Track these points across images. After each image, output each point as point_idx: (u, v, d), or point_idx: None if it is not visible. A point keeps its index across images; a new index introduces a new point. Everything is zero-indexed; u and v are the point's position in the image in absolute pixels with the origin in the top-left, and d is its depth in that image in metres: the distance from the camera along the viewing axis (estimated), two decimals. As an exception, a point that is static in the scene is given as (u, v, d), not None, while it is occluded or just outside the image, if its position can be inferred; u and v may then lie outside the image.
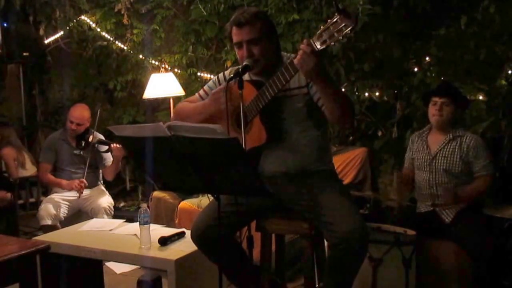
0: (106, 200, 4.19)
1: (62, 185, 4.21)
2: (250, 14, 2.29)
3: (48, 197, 4.25)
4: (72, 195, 4.19)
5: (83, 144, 4.17)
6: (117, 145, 4.03)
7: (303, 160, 2.37)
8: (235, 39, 2.33)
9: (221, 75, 2.57)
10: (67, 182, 4.19)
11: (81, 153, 4.24)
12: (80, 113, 4.24)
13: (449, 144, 3.10)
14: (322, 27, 2.00)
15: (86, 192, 4.21)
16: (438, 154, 3.13)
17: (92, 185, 4.29)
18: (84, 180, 4.13)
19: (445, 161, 3.10)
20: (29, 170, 4.97)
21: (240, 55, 2.34)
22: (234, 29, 2.32)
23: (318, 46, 2.00)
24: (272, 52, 2.34)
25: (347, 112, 2.20)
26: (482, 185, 3.05)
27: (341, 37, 1.96)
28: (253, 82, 2.35)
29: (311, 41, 2.02)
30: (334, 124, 2.33)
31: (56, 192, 4.24)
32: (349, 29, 1.92)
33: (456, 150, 3.08)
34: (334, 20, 1.95)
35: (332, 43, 1.99)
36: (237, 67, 2.34)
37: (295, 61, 2.06)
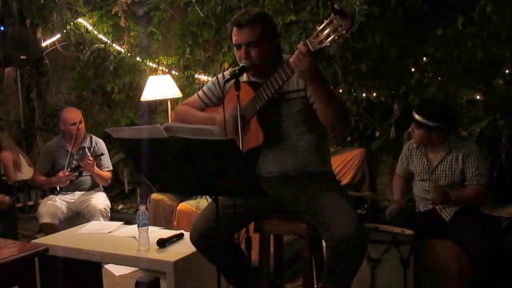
0: (102, 202, 4.17)
1: (53, 182, 4.20)
2: (250, 15, 2.29)
3: (48, 197, 4.25)
4: (69, 197, 4.19)
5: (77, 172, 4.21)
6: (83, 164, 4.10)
7: (301, 161, 2.38)
8: (234, 40, 2.33)
9: (220, 75, 2.57)
10: (55, 178, 4.17)
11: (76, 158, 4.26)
12: (74, 112, 4.26)
13: (447, 158, 3.08)
14: (318, 27, 2.01)
15: (83, 194, 4.22)
16: (437, 168, 3.11)
17: (90, 187, 4.30)
18: (66, 171, 4.12)
19: (444, 175, 3.09)
20: (26, 173, 4.96)
21: (239, 56, 2.35)
22: (234, 30, 2.32)
23: (315, 46, 2.01)
24: (271, 54, 2.33)
25: (340, 118, 2.19)
26: (472, 194, 3.03)
27: (337, 38, 1.96)
28: (251, 83, 2.35)
29: (308, 42, 2.03)
30: (327, 128, 2.32)
31: (54, 194, 4.24)
32: (345, 29, 1.93)
33: (453, 163, 3.06)
34: (330, 20, 1.96)
35: (329, 44, 1.99)
36: (235, 68, 2.35)
37: (291, 60, 2.06)
